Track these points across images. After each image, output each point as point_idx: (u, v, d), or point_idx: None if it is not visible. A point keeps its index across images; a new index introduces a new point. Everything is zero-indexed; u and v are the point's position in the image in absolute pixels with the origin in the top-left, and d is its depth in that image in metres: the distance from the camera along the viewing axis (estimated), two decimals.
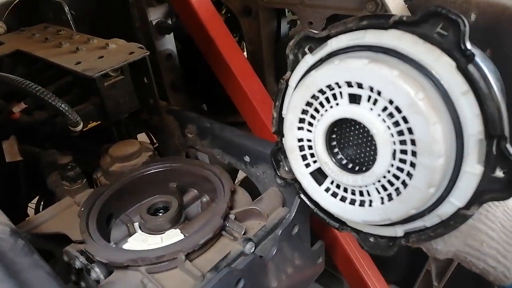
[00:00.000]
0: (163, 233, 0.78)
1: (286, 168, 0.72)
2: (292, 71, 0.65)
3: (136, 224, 0.81)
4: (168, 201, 0.82)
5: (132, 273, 0.68)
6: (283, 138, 0.69)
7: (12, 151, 1.09)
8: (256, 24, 1.19)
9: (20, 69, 0.97)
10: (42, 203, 1.37)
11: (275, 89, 1.23)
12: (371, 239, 0.64)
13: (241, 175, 1.57)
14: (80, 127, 0.83)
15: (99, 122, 0.98)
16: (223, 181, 0.83)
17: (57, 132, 0.91)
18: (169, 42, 1.39)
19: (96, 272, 0.71)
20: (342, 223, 0.66)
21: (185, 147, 1.06)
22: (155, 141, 1.39)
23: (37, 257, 0.51)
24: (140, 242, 0.76)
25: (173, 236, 0.76)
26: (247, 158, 0.88)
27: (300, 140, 0.62)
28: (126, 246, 0.76)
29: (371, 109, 0.52)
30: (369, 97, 0.52)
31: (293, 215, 0.74)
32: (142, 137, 1.50)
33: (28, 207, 1.34)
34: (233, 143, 0.89)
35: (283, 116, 0.67)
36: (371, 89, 0.52)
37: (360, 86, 0.53)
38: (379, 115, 0.52)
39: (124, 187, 0.87)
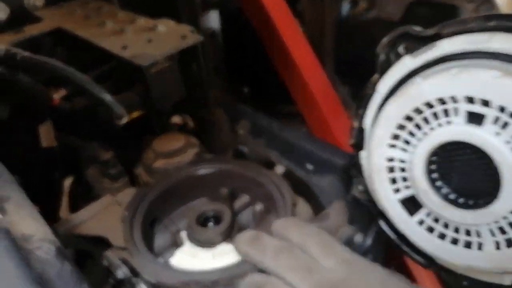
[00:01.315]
0: (214, 246, 0.73)
1: (361, 187, 0.64)
2: (381, 74, 0.56)
3: (183, 233, 0.76)
4: (220, 210, 0.77)
5: None
6: (360, 152, 0.61)
7: (48, 136, 1.07)
8: (321, 6, 1.09)
9: (60, 50, 0.92)
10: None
11: (334, 79, 1.14)
12: (465, 283, 0.56)
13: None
14: (125, 121, 0.78)
15: (142, 112, 0.93)
16: (283, 192, 0.77)
17: (98, 122, 0.87)
18: (213, 19, 1.31)
19: None
20: (430, 260, 0.58)
21: (234, 143, 0.99)
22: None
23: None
24: (189, 256, 0.71)
25: (226, 252, 0.71)
26: (310, 166, 0.81)
27: (391, 160, 0.54)
28: (173, 259, 0.71)
29: (498, 133, 0.44)
30: (497, 119, 0.43)
31: (369, 242, 0.67)
32: None
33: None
34: (294, 146, 0.82)
35: (363, 127, 0.59)
36: (502, 110, 0.43)
37: (485, 103, 0.44)
38: (508, 142, 0.43)
39: (170, 188, 0.82)
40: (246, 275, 0.61)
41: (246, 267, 0.62)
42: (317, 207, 0.83)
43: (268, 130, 0.87)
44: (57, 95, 0.83)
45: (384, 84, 0.55)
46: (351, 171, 0.64)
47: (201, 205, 0.84)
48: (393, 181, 0.54)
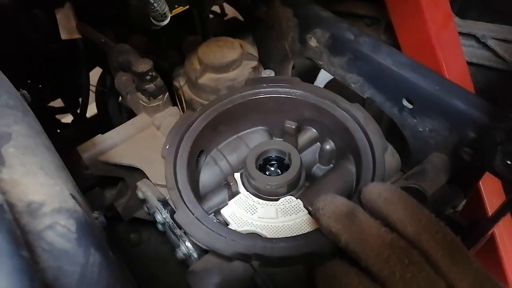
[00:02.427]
0: (277, 199, 0.55)
1: (509, 161, 0.43)
2: None
3: (237, 177, 0.58)
4: (286, 152, 0.57)
5: (240, 265, 0.48)
6: None
7: (69, 26, 0.84)
8: None
9: None
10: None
11: None
12: None
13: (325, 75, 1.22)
14: (166, 22, 0.54)
15: (187, 7, 0.68)
16: (371, 136, 0.56)
17: (127, 21, 0.63)
18: None
19: (188, 248, 0.52)
20: None
21: (298, 56, 0.75)
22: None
23: None
24: (245, 211, 0.54)
25: (293, 209, 0.54)
26: (407, 103, 0.58)
27: None
28: (225, 211, 0.54)
29: None
30: None
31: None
32: None
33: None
34: (390, 74, 0.58)
35: None
36: None
37: None
38: None
39: (221, 115, 0.61)
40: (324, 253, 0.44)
41: (325, 244, 0.45)
42: (406, 156, 0.63)
43: (353, 47, 0.62)
44: None
45: None
46: (497, 135, 0.42)
47: (258, 139, 0.65)
48: None
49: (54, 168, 0.38)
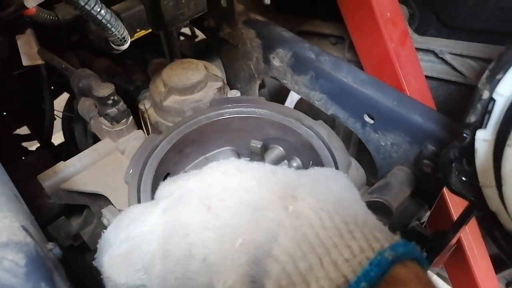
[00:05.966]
0: None
1: (464, 178, 0.44)
2: None
3: None
4: None
5: None
6: (478, 131, 0.40)
7: (30, 52, 0.82)
8: None
9: None
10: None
11: None
12: None
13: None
14: (126, 46, 0.54)
15: (149, 30, 0.68)
16: (335, 152, 0.56)
17: (92, 45, 0.62)
18: None
19: None
20: None
21: (263, 75, 0.76)
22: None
23: None
24: None
25: None
26: (368, 119, 0.59)
27: None
28: None
29: None
30: None
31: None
32: None
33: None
34: (351, 91, 0.59)
35: (495, 97, 0.37)
36: None
37: None
38: None
39: (187, 137, 0.61)
40: None
41: None
42: (370, 170, 0.64)
43: (315, 65, 0.63)
44: (32, 2, 0.58)
45: None
46: (451, 152, 0.43)
47: (224, 159, 0.65)
48: None
49: (4, 199, 0.37)
